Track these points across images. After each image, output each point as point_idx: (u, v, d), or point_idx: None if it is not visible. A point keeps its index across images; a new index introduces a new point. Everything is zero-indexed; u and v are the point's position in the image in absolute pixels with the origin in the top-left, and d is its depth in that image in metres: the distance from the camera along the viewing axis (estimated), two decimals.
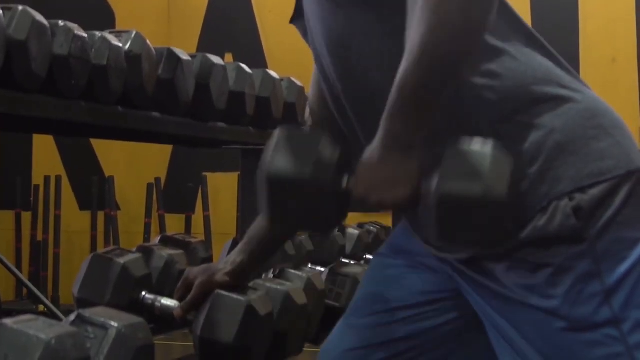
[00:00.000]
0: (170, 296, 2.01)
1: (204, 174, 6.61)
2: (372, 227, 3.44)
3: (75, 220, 6.91)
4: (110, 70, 2.30)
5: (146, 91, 2.49)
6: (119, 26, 6.63)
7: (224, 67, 2.86)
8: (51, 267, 6.68)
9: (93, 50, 2.27)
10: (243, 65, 3.01)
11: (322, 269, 2.61)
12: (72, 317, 1.62)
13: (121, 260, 2.06)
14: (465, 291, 1.53)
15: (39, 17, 2.10)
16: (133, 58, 2.41)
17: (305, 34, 1.62)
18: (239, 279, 1.89)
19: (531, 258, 1.41)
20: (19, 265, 6.67)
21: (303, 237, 2.91)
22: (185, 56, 2.66)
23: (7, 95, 2.04)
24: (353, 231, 3.24)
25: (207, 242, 5.96)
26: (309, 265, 2.72)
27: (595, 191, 1.40)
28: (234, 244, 2.49)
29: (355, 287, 2.05)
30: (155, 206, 6.64)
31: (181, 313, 1.91)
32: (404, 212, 1.58)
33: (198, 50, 6.18)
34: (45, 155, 7.03)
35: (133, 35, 2.46)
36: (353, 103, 1.53)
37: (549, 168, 1.41)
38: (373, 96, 1.45)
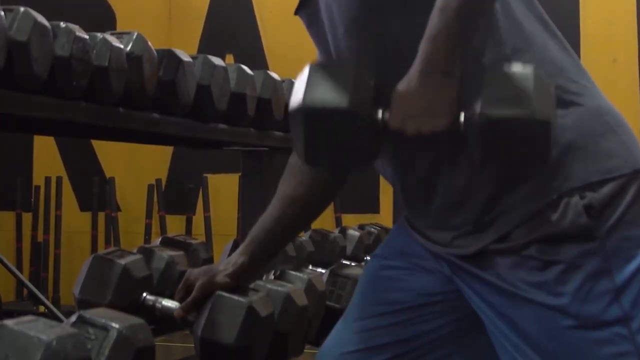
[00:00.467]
0: (171, 297, 2.01)
1: (205, 175, 6.61)
2: (372, 229, 3.45)
3: (75, 221, 6.91)
4: (111, 71, 2.30)
5: (147, 92, 2.49)
6: (119, 27, 6.64)
7: (224, 68, 2.86)
8: (52, 268, 6.68)
9: (94, 51, 2.27)
10: (244, 67, 3.01)
11: (323, 271, 2.61)
12: (73, 318, 1.62)
13: (122, 261, 2.06)
14: (463, 290, 1.53)
15: (41, 19, 2.10)
16: (134, 59, 2.41)
17: (310, 24, 1.61)
18: (240, 280, 1.89)
19: (540, 255, 1.42)
20: (19, 266, 6.67)
21: (304, 239, 2.91)
22: (186, 57, 2.66)
23: (8, 96, 2.04)
24: (354, 233, 3.24)
25: (208, 243, 5.96)
26: (310, 267, 2.72)
27: (605, 190, 1.41)
28: (235, 245, 2.50)
29: None
30: (155, 207, 6.64)
31: (182, 314, 1.91)
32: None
33: (199, 51, 6.18)
34: (46, 156, 7.03)
35: (134, 37, 2.46)
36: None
37: (560, 163, 1.42)
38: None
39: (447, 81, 1.32)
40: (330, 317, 2.23)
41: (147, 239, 6.50)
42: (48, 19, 2.15)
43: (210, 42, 6.60)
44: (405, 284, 1.63)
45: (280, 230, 1.83)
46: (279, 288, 2.11)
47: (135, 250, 2.22)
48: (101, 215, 6.76)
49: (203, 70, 2.77)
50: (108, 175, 6.78)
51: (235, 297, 1.88)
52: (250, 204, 3.17)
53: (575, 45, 6.04)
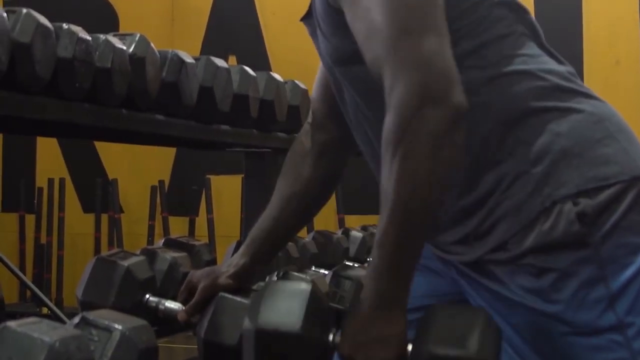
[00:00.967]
0: (174, 299, 2.01)
1: (208, 176, 6.61)
2: (375, 230, 3.43)
3: (79, 222, 6.92)
4: (114, 72, 2.30)
5: (150, 94, 2.49)
6: (122, 29, 6.64)
7: (227, 70, 2.86)
8: (55, 270, 6.68)
9: (97, 53, 2.27)
10: (247, 68, 3.01)
11: (326, 272, 2.61)
12: (76, 319, 1.62)
13: (125, 263, 2.06)
14: (468, 294, 1.53)
15: (43, 20, 2.10)
16: (137, 61, 2.42)
17: (312, 33, 1.62)
18: (242, 281, 1.89)
19: (536, 262, 1.41)
20: (22, 268, 6.68)
21: (307, 240, 2.91)
22: (189, 59, 2.67)
23: (11, 98, 2.04)
24: (357, 234, 3.24)
25: (211, 245, 5.97)
26: (313, 268, 2.72)
27: (601, 196, 1.40)
28: (238, 246, 2.49)
29: (359, 290, 2.04)
30: (158, 209, 6.64)
31: (185, 316, 1.91)
32: None
33: (202, 52, 6.18)
34: (49, 158, 7.03)
35: (137, 38, 2.46)
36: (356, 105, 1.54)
37: (553, 169, 1.41)
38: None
39: (396, 313, 1.34)
40: None
41: (150, 241, 6.51)
42: (51, 21, 2.15)
43: (213, 43, 6.61)
44: (414, 284, 1.64)
45: (279, 229, 1.83)
46: None
47: (138, 252, 2.22)
48: (104, 217, 6.77)
49: (206, 72, 2.77)
50: (111, 176, 6.78)
51: (238, 299, 1.88)
52: (253, 205, 3.17)
53: (578, 47, 6.04)
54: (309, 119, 1.84)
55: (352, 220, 5.83)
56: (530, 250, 1.41)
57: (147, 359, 1.63)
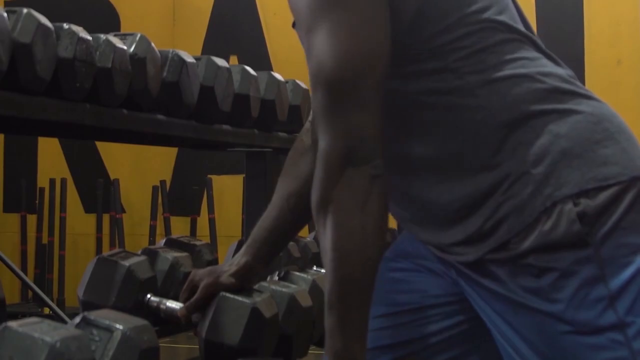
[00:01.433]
0: (176, 299, 2.01)
1: (209, 176, 6.61)
2: None
3: (80, 222, 6.92)
4: (115, 72, 2.29)
5: (151, 94, 2.49)
6: (123, 29, 6.65)
7: (228, 70, 2.86)
8: (56, 270, 6.69)
9: (98, 53, 2.27)
10: (248, 68, 3.00)
11: None
12: (77, 319, 1.62)
13: (126, 263, 2.06)
14: (468, 295, 1.53)
15: (44, 20, 2.10)
16: (138, 61, 2.41)
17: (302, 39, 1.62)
18: (244, 281, 1.89)
19: (537, 262, 1.42)
20: (24, 268, 6.68)
21: (308, 240, 2.91)
22: (190, 59, 2.66)
23: (12, 98, 2.03)
24: None
25: (213, 245, 5.96)
26: (314, 268, 2.71)
27: (601, 197, 1.41)
28: (239, 246, 2.49)
29: None
30: (160, 209, 6.65)
31: (185, 313, 1.91)
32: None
33: (203, 52, 6.18)
34: (51, 158, 7.04)
35: (138, 38, 2.46)
36: None
37: (553, 170, 1.42)
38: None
39: None
40: None
41: (152, 241, 6.51)
42: (51, 21, 2.15)
43: (214, 43, 6.61)
44: (412, 285, 1.64)
45: (280, 228, 1.83)
46: (284, 289, 2.11)
47: (139, 252, 2.22)
48: (106, 217, 6.77)
49: (207, 72, 2.77)
50: (112, 177, 6.79)
51: (240, 299, 1.88)
52: (254, 205, 3.17)
53: (580, 47, 6.04)
54: (310, 117, 1.84)
55: None
56: (531, 250, 1.41)
57: (148, 359, 1.63)
